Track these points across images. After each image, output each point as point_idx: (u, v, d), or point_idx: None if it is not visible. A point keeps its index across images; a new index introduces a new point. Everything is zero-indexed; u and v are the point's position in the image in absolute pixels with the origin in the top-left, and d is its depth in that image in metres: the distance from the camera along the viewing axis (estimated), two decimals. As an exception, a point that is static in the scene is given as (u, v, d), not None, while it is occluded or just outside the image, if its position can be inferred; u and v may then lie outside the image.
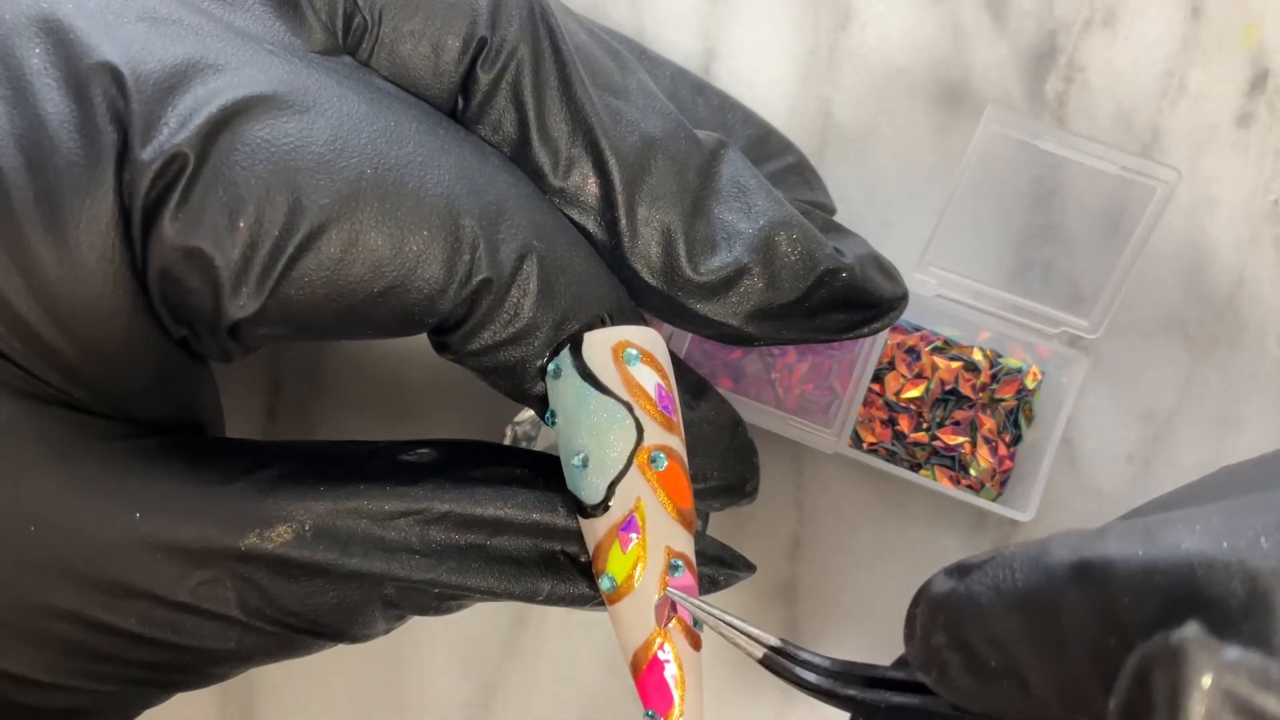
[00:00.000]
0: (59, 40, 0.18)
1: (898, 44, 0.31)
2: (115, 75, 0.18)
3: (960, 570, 0.17)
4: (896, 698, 0.18)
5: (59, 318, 0.18)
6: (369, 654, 0.30)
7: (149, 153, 0.17)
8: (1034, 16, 0.30)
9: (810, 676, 0.19)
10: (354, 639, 0.20)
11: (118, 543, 0.18)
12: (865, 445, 0.30)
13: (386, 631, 0.21)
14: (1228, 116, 0.30)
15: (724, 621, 0.19)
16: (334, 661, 0.30)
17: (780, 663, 0.19)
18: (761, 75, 0.31)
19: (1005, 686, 0.16)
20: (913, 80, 0.31)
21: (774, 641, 0.19)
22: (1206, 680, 0.12)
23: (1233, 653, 0.12)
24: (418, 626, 0.30)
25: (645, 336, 0.20)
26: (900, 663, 0.19)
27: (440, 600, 0.20)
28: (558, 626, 0.30)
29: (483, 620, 0.30)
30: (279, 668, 0.30)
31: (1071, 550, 0.15)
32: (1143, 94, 0.30)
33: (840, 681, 0.19)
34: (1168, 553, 0.14)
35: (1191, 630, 0.12)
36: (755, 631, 0.19)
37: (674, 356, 0.22)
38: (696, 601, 0.19)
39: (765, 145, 0.27)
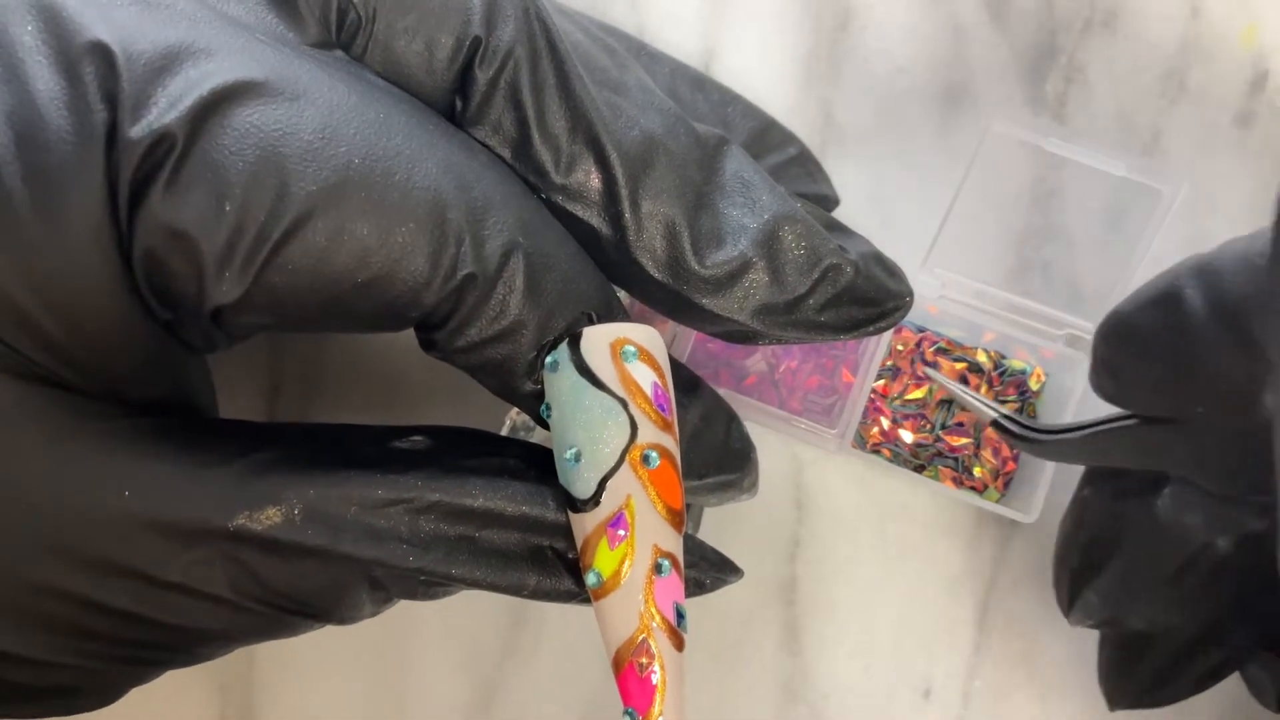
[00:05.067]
0: (51, 18, 0.18)
1: (898, 44, 0.31)
2: (106, 54, 0.18)
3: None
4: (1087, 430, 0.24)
5: (47, 297, 0.18)
6: (369, 654, 0.30)
7: (137, 131, 0.17)
8: (1034, 16, 0.31)
9: (1037, 436, 0.25)
10: (341, 620, 0.20)
11: (108, 521, 0.18)
12: (868, 446, 0.30)
13: (374, 613, 0.21)
14: (1228, 116, 0.30)
15: (968, 395, 0.27)
16: (334, 661, 0.30)
17: (1010, 426, 0.26)
18: (761, 75, 0.31)
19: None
20: (913, 80, 0.31)
21: (1006, 412, 0.26)
22: None
23: None
24: (418, 627, 0.30)
25: (644, 335, 0.20)
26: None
27: (427, 586, 0.20)
28: (558, 626, 0.30)
29: (483, 620, 0.30)
30: (280, 668, 0.30)
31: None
32: (1143, 94, 0.30)
33: (1053, 433, 0.25)
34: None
35: None
36: (993, 404, 0.27)
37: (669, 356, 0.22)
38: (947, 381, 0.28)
39: (766, 138, 0.27)
